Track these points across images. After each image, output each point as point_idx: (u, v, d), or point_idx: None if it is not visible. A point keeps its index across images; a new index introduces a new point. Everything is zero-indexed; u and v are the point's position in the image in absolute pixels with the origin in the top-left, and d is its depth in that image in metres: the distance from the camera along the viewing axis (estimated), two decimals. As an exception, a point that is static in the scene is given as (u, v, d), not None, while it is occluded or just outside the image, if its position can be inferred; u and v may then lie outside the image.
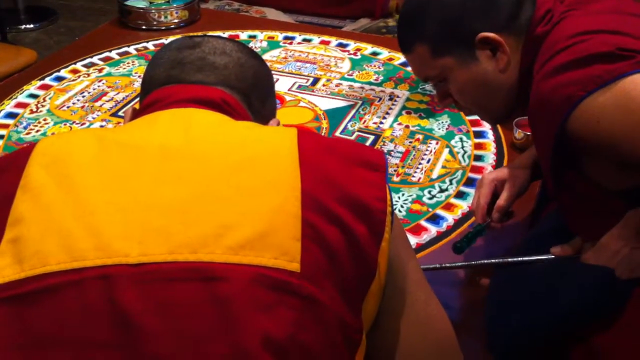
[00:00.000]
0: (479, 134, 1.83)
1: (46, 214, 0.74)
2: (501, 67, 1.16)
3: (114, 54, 2.29)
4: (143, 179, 0.77)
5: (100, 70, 2.18)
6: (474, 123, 1.88)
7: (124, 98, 2.02)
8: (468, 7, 1.16)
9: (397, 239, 0.87)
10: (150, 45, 2.36)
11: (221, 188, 0.77)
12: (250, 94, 1.00)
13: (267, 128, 0.93)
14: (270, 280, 0.73)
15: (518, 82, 1.17)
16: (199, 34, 2.40)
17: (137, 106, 1.00)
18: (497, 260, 1.28)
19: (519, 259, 1.24)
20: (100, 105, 1.98)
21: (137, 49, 2.33)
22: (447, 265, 1.31)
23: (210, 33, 2.42)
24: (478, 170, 1.68)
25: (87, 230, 0.73)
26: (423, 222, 1.51)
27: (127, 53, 2.31)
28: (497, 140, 1.80)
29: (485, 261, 1.31)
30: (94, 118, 1.91)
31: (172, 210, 0.75)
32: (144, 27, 2.47)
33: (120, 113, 1.94)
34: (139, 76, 2.14)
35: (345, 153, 0.86)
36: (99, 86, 2.09)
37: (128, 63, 2.24)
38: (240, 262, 0.73)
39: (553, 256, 1.19)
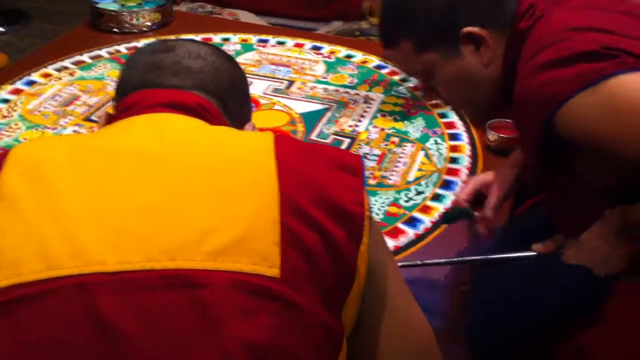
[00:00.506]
0: (454, 137, 1.84)
1: (22, 221, 0.73)
2: (485, 62, 1.14)
3: (86, 58, 2.27)
4: (120, 184, 0.76)
5: (72, 74, 2.16)
6: (449, 125, 1.89)
7: (96, 102, 2.00)
8: (452, 2, 1.14)
9: (376, 243, 0.87)
10: (122, 48, 2.34)
11: (199, 192, 0.76)
12: (226, 98, 1.00)
13: (244, 132, 0.92)
14: (250, 285, 0.72)
15: (502, 77, 1.16)
16: (172, 37, 2.39)
17: (111, 110, 0.99)
18: (478, 258, 1.28)
19: (500, 256, 1.24)
20: (73, 110, 1.96)
21: (109, 52, 2.31)
22: (428, 262, 1.30)
23: (183, 36, 2.41)
24: (454, 172, 1.70)
25: (64, 238, 0.72)
26: (400, 225, 1.52)
27: (99, 56, 2.28)
28: (472, 143, 1.82)
29: (467, 258, 1.32)
30: (66, 122, 1.89)
31: (150, 215, 0.74)
32: (116, 30, 2.45)
33: (93, 117, 1.92)
34: (112, 80, 2.12)
35: (322, 157, 0.86)
36: (71, 90, 2.06)
37: (100, 67, 2.21)
38: (219, 269, 0.72)
39: (535, 253, 1.20)
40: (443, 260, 1.32)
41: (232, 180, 0.78)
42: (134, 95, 0.94)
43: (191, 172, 0.78)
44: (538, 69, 1.03)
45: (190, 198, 0.76)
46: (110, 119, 0.94)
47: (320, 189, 0.80)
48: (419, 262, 1.30)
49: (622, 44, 0.99)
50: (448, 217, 1.36)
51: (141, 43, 2.36)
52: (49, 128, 1.86)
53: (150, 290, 0.70)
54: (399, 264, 1.25)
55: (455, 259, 1.33)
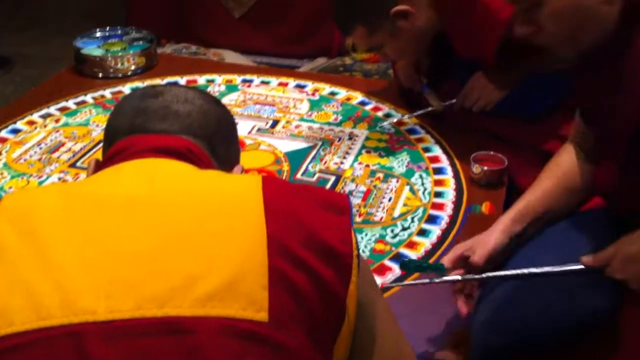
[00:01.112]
0: (439, 171, 1.85)
1: (11, 271, 0.74)
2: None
3: (70, 104, 2.28)
4: (109, 231, 0.77)
5: (57, 121, 2.16)
6: (433, 160, 1.90)
7: (82, 148, 2.00)
8: None
9: (364, 282, 0.88)
10: (107, 93, 2.35)
11: (187, 238, 0.77)
12: (214, 141, 1.01)
13: (232, 176, 0.93)
14: (239, 330, 0.73)
15: (618, 22, 1.11)
16: (157, 79, 2.41)
17: (98, 156, 1.00)
18: (519, 272, 1.21)
19: (543, 269, 1.18)
20: (58, 157, 1.96)
21: (94, 98, 2.32)
22: (467, 277, 1.25)
23: (168, 78, 2.43)
24: (439, 206, 1.70)
25: (54, 287, 0.73)
26: (387, 262, 1.52)
27: (84, 102, 2.29)
28: (456, 176, 1.83)
29: (507, 272, 1.23)
30: (51, 170, 1.89)
31: (139, 262, 0.75)
32: (100, 75, 2.46)
33: (78, 164, 1.92)
34: (97, 125, 2.13)
35: (310, 197, 0.87)
36: (56, 137, 2.06)
37: (85, 112, 2.22)
38: (208, 315, 0.73)
39: (581, 267, 1.15)
40: (479, 276, 1.26)
41: (220, 225, 0.79)
42: (122, 141, 0.96)
43: (179, 218, 0.79)
44: None
45: (178, 244, 0.77)
46: (98, 166, 0.95)
47: (308, 229, 0.81)
48: (459, 278, 1.26)
49: None
50: (413, 265, 1.30)
51: (126, 87, 2.38)
52: (34, 176, 1.86)
53: (139, 337, 0.71)
54: (445, 278, 1.25)
55: (491, 274, 1.25)
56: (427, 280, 1.27)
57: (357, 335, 0.86)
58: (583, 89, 1.26)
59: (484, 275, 1.25)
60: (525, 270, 1.20)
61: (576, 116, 1.38)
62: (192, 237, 0.77)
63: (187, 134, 0.97)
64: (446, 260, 1.28)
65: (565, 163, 1.36)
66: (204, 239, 0.77)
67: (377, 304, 0.91)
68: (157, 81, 2.42)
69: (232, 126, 1.10)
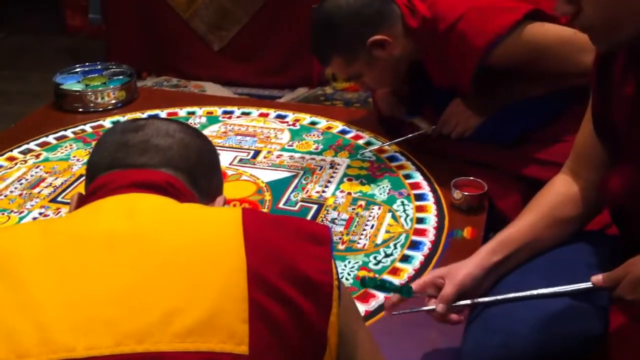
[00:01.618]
0: (420, 197, 1.87)
1: None
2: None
3: (51, 139, 2.27)
4: (89, 269, 0.78)
5: (37, 156, 2.16)
6: (414, 186, 1.92)
7: (62, 183, 2.00)
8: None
9: (346, 311, 0.88)
10: (87, 127, 2.35)
11: (167, 273, 0.77)
12: (195, 174, 1.02)
13: (212, 209, 0.94)
14: None
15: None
16: (138, 113, 2.42)
17: (80, 190, 1.01)
18: (527, 294, 1.19)
19: (551, 290, 1.16)
20: (39, 192, 1.95)
21: (74, 132, 2.32)
22: (478, 300, 1.24)
23: (149, 112, 2.44)
24: (421, 232, 1.71)
25: (33, 326, 0.73)
26: (372, 290, 1.52)
27: (64, 137, 2.29)
28: (437, 202, 1.84)
29: (517, 294, 1.21)
30: (32, 205, 1.88)
31: (118, 299, 0.75)
32: (80, 109, 2.46)
33: (59, 199, 1.92)
34: (78, 160, 2.13)
35: (290, 229, 0.87)
36: (36, 172, 2.06)
37: (66, 147, 2.22)
38: (188, 350, 0.73)
39: (590, 286, 1.14)
40: (488, 299, 1.24)
41: (200, 259, 0.79)
42: (103, 176, 0.96)
43: (159, 253, 0.79)
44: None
45: (157, 280, 0.77)
46: (81, 201, 0.96)
47: (287, 261, 0.82)
48: (469, 302, 1.24)
49: None
50: (372, 283, 1.27)
51: (107, 121, 2.38)
52: (15, 212, 1.85)
53: None
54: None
55: (500, 297, 1.23)
56: (432, 307, 1.24)
57: None
58: (601, 99, 1.26)
59: (492, 298, 1.23)
60: (535, 292, 1.18)
61: (575, 143, 1.37)
62: (171, 273, 0.77)
63: (168, 168, 0.98)
64: (416, 285, 1.27)
65: (554, 194, 1.35)
66: (183, 274, 0.78)
67: (359, 333, 0.92)
68: (138, 114, 2.42)
69: (214, 158, 1.11)
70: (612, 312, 1.17)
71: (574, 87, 1.79)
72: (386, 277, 1.56)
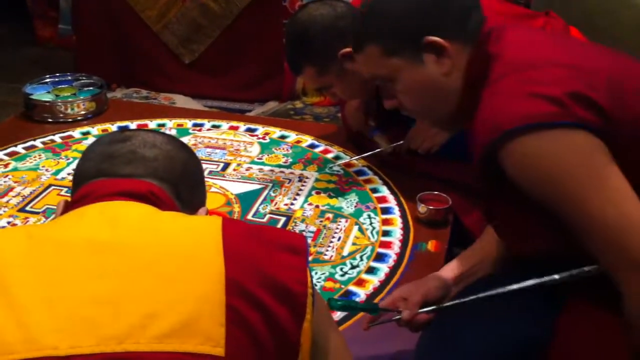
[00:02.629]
0: (386, 210, 1.91)
1: None
2: (445, 71, 1.23)
3: (19, 148, 2.27)
4: (72, 273, 0.81)
5: (6, 166, 2.15)
6: (381, 200, 1.96)
7: (31, 192, 2.00)
8: (417, 10, 1.23)
9: (320, 318, 0.92)
10: (57, 137, 2.35)
11: (147, 279, 0.80)
12: (179, 185, 1.04)
13: (193, 218, 0.97)
14: None
15: (463, 89, 1.22)
16: (107, 124, 2.43)
17: (68, 198, 1.03)
18: (500, 291, 1.22)
19: (547, 278, 1.18)
20: (7, 201, 1.95)
21: (43, 142, 2.32)
22: (445, 305, 1.28)
23: (119, 123, 2.45)
24: (387, 245, 1.75)
25: (17, 325, 0.76)
26: (336, 310, 1.55)
27: (33, 147, 2.29)
28: (403, 215, 1.88)
29: (489, 293, 1.23)
30: (0, 214, 1.88)
31: (100, 302, 0.78)
32: (50, 120, 2.46)
33: (28, 208, 1.92)
34: (46, 170, 2.13)
35: (267, 238, 0.91)
36: (5, 182, 2.06)
37: (35, 157, 2.22)
38: (166, 350, 0.77)
39: (554, 278, 1.17)
40: (455, 302, 1.28)
41: (180, 266, 0.83)
42: (88, 185, 0.99)
43: (139, 260, 0.82)
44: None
45: (139, 285, 0.80)
46: (66, 208, 0.98)
47: (264, 270, 0.86)
48: (434, 307, 1.28)
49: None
50: (337, 305, 1.31)
51: (76, 132, 2.38)
52: (-18, 221, 1.84)
53: None
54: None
55: (464, 299, 1.26)
56: (399, 317, 1.29)
57: None
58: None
59: (463, 299, 1.26)
60: (515, 286, 1.21)
61: None
62: (151, 278, 0.81)
63: (152, 178, 1.00)
64: (386, 302, 1.32)
65: None
66: (163, 280, 0.81)
67: (332, 339, 0.96)
68: (107, 126, 2.43)
69: (199, 171, 1.14)
70: (557, 320, 1.22)
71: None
72: (352, 288, 1.59)
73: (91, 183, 0.99)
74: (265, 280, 0.85)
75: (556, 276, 1.17)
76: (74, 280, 0.80)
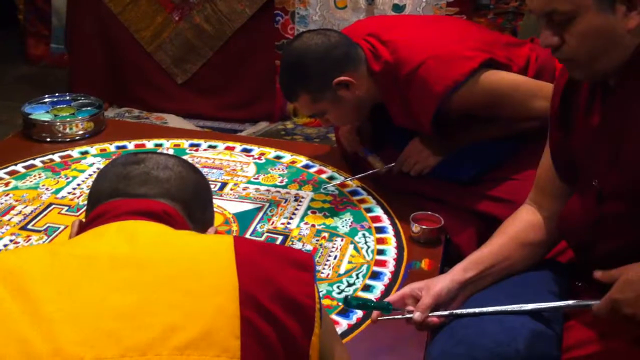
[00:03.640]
0: (380, 230, 1.97)
1: (5, 325, 0.81)
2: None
3: (19, 167, 2.31)
4: (94, 287, 0.85)
5: (6, 184, 2.19)
6: (375, 219, 2.02)
7: (32, 211, 2.04)
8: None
9: (326, 332, 0.98)
10: (56, 157, 2.39)
11: (166, 293, 0.85)
12: (190, 204, 1.10)
13: (206, 236, 1.03)
14: None
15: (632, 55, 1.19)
16: (105, 144, 2.47)
17: (82, 218, 1.08)
18: (509, 308, 1.29)
19: (524, 307, 1.27)
20: (9, 220, 1.98)
21: (42, 162, 2.36)
22: (457, 312, 1.34)
23: (117, 143, 2.49)
24: (382, 263, 1.81)
25: (44, 338, 0.80)
26: (334, 317, 1.60)
27: (33, 166, 2.33)
28: (397, 235, 1.94)
29: (496, 308, 1.30)
30: (2, 233, 1.91)
31: (122, 315, 0.83)
32: (48, 139, 2.50)
33: (29, 226, 1.96)
34: (47, 188, 2.17)
35: (277, 255, 0.97)
36: (6, 200, 2.09)
37: (35, 176, 2.26)
38: None
39: (561, 304, 1.27)
40: (470, 311, 1.33)
41: (196, 281, 0.88)
42: (105, 204, 1.04)
43: (158, 274, 0.87)
44: None
45: (157, 298, 0.85)
46: (82, 227, 1.03)
47: (276, 284, 0.91)
48: (446, 313, 1.34)
49: None
50: (355, 303, 1.37)
51: (75, 151, 2.43)
52: (-15, 239, 1.88)
53: None
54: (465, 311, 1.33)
55: (477, 310, 1.32)
56: (411, 315, 1.34)
57: None
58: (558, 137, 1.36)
59: (471, 310, 1.33)
60: (508, 308, 1.29)
61: (537, 176, 1.50)
62: (169, 292, 0.86)
63: (166, 198, 1.06)
64: (396, 296, 1.38)
65: (520, 221, 1.47)
66: (181, 294, 0.86)
67: (337, 351, 1.02)
68: (106, 145, 2.48)
69: (208, 192, 1.20)
70: (565, 333, 1.29)
71: (524, 131, 1.94)
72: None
73: (107, 203, 1.05)
74: (276, 294, 0.90)
75: (570, 302, 1.27)
76: (97, 294, 0.85)
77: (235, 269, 0.89)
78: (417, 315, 1.34)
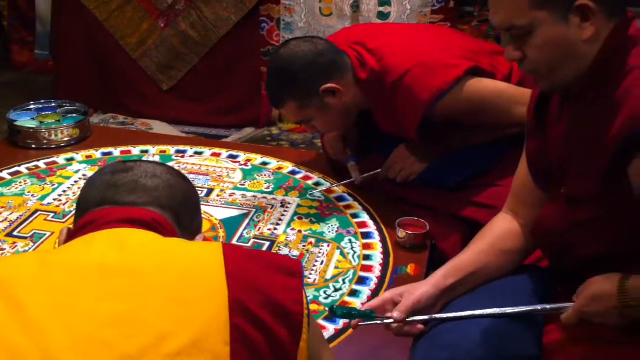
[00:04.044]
0: (366, 235, 1.98)
1: None
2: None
3: (5, 174, 2.30)
4: (85, 296, 0.86)
5: (-9, 191, 2.19)
6: (361, 225, 2.03)
7: (18, 217, 2.03)
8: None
9: (314, 338, 0.99)
10: (41, 163, 2.39)
11: (157, 301, 0.86)
12: (179, 212, 1.11)
13: (195, 243, 1.03)
14: None
15: (593, 63, 1.22)
16: (91, 150, 2.47)
17: (71, 226, 1.08)
18: (480, 312, 1.31)
19: (504, 310, 1.29)
20: (-5, 226, 1.98)
21: (28, 168, 2.35)
22: (436, 316, 1.35)
23: (102, 149, 2.49)
24: (368, 269, 1.82)
25: (35, 346, 0.80)
26: (321, 322, 1.61)
27: (18, 172, 2.32)
28: (383, 240, 1.96)
29: (476, 312, 1.32)
30: (-12, 239, 1.91)
31: (114, 323, 0.83)
32: (34, 146, 2.49)
33: (15, 233, 1.95)
34: (32, 195, 2.17)
35: (265, 261, 0.98)
36: (-9, 207, 2.09)
37: (20, 182, 2.25)
38: None
39: (537, 308, 1.30)
40: (451, 315, 1.35)
41: (187, 289, 0.89)
42: (93, 212, 1.05)
43: (148, 282, 0.88)
44: None
45: (148, 306, 0.86)
46: (70, 235, 1.03)
47: (264, 291, 0.92)
48: (426, 317, 1.35)
49: None
50: (340, 312, 1.37)
51: (60, 158, 2.42)
52: (-30, 246, 1.87)
53: None
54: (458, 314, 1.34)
55: (458, 314, 1.34)
56: (391, 320, 1.35)
57: None
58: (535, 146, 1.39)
59: (451, 315, 1.34)
60: (486, 311, 1.31)
61: (513, 184, 1.52)
62: (160, 300, 0.87)
63: (154, 206, 1.07)
64: (376, 301, 1.39)
65: (497, 228, 1.49)
66: (171, 301, 0.87)
67: (324, 356, 1.02)
68: (92, 152, 2.48)
69: (197, 199, 1.20)
70: (545, 336, 1.31)
71: (507, 137, 1.96)
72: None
73: (97, 210, 1.05)
74: (265, 301, 0.91)
75: (547, 306, 1.29)
76: (87, 302, 0.85)
77: (224, 276, 0.90)
78: (396, 314, 1.34)
